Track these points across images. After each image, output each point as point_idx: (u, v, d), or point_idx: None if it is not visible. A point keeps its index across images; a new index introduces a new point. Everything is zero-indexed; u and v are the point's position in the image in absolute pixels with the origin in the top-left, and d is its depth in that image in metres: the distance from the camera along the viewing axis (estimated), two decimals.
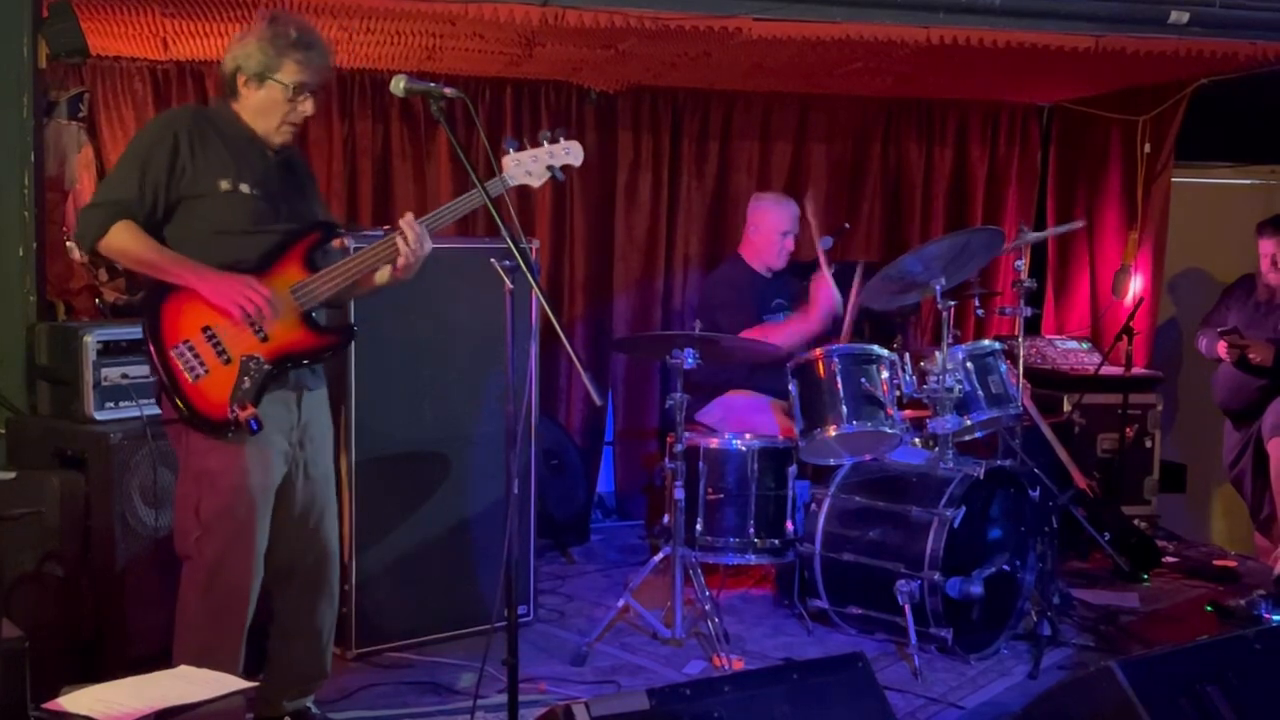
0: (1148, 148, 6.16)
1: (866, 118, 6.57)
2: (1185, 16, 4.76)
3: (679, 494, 4.35)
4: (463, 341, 4.29)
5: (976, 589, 4.18)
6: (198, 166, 3.13)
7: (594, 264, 6.15)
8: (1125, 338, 5.83)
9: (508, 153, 3.25)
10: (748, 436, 4.73)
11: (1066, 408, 5.81)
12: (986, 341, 4.71)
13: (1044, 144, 6.86)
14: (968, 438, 4.64)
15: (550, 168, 3.26)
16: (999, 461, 4.56)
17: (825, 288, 4.97)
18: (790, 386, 4.56)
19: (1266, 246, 5.35)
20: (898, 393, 4.48)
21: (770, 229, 5.20)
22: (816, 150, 6.51)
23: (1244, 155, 6.51)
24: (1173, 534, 6.05)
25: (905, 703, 3.86)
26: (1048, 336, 6.44)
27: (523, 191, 5.88)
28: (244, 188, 3.16)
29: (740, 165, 6.37)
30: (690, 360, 4.30)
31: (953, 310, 4.48)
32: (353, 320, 3.91)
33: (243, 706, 2.56)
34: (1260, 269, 5.41)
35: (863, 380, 4.45)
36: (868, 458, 4.64)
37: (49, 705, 2.44)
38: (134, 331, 3.55)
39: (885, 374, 4.49)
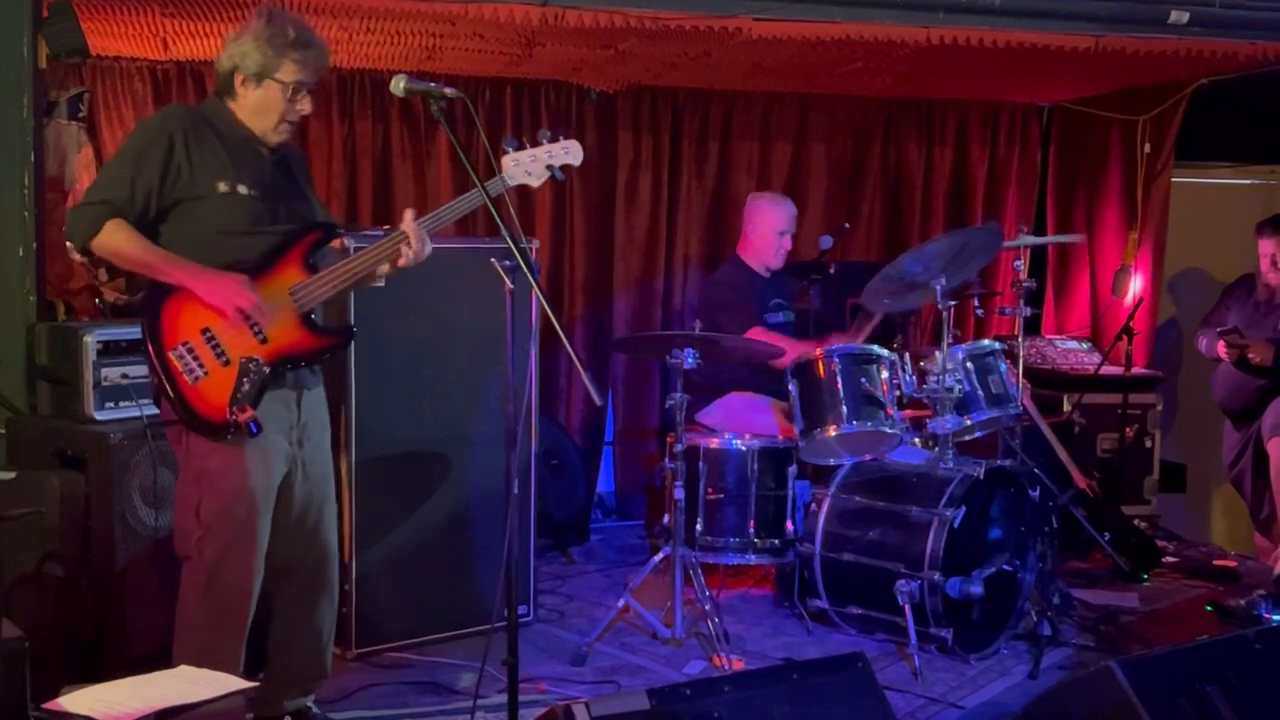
0: (1148, 148, 6.16)
1: (866, 118, 6.57)
2: (1185, 16, 4.76)
3: (679, 494, 4.35)
4: (463, 341, 4.29)
5: (976, 589, 4.18)
6: (194, 168, 3.11)
7: (594, 264, 6.15)
8: (1125, 338, 5.82)
9: (507, 152, 3.24)
10: (748, 436, 4.74)
11: (1066, 408, 5.81)
12: (986, 341, 4.71)
13: (1044, 144, 6.86)
14: (968, 438, 4.64)
15: (550, 167, 3.26)
16: (999, 461, 4.56)
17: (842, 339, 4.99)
18: (790, 386, 4.56)
19: (1266, 246, 5.35)
20: (898, 393, 4.48)
21: (768, 228, 5.20)
22: (816, 150, 6.51)
23: (1244, 155, 6.51)
24: (1173, 534, 6.05)
25: (905, 703, 3.86)
26: (1048, 336, 6.44)
27: (523, 191, 5.88)
28: (242, 188, 3.15)
29: (740, 165, 6.37)
30: (690, 360, 4.30)
31: (953, 310, 4.48)
32: (353, 320, 3.91)
33: (243, 706, 2.56)
34: (1260, 269, 5.41)
35: (863, 380, 4.45)
36: (868, 458, 4.64)
37: (49, 705, 2.44)
38: (134, 331, 3.55)
39: (885, 374, 4.49)
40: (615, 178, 6.16)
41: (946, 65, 5.41)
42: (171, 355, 3.06)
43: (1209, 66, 5.42)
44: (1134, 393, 5.88)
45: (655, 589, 4.57)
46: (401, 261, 3.23)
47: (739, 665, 4.15)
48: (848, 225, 6.09)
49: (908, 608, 4.16)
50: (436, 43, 4.93)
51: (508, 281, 3.33)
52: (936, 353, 4.44)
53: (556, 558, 5.49)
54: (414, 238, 3.19)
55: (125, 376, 3.70)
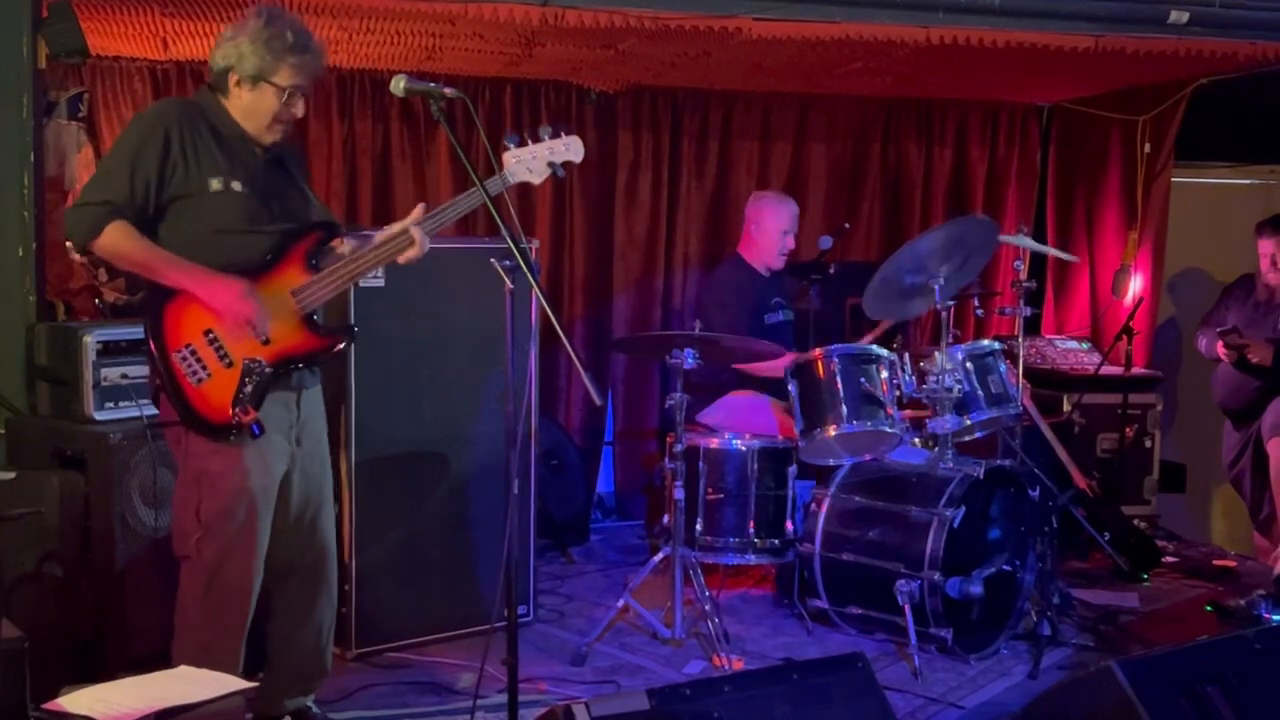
0: (1147, 148, 6.16)
1: (866, 118, 6.57)
2: (1185, 16, 4.76)
3: (679, 494, 4.35)
4: (463, 341, 4.29)
5: (976, 589, 4.18)
6: (189, 164, 3.08)
7: (594, 264, 6.16)
8: (1125, 338, 5.83)
9: (508, 149, 3.22)
10: (748, 436, 4.74)
11: (1066, 408, 5.81)
12: (986, 341, 4.71)
13: (1044, 144, 6.86)
14: (968, 438, 4.64)
15: (551, 164, 3.24)
16: (999, 461, 4.56)
17: None
18: (790, 387, 4.56)
19: (1266, 246, 5.35)
20: (898, 393, 4.48)
21: (772, 227, 5.20)
22: (816, 150, 6.51)
23: (1243, 155, 6.51)
24: (1172, 534, 6.05)
25: (905, 703, 3.86)
26: (1047, 336, 6.44)
27: (522, 191, 5.92)
28: (236, 185, 3.13)
29: (740, 165, 6.37)
30: (690, 360, 4.30)
31: (952, 310, 4.49)
32: (353, 320, 3.91)
33: (242, 707, 2.56)
34: (1260, 269, 5.42)
35: (863, 380, 4.45)
36: (867, 458, 4.64)
37: (49, 705, 2.44)
38: (134, 332, 3.55)
39: (885, 374, 4.49)
40: (615, 177, 6.16)
41: (946, 65, 5.41)
42: (175, 357, 3.05)
43: (1209, 66, 5.42)
44: (1134, 393, 5.88)
45: (655, 589, 4.57)
46: (402, 260, 3.22)
47: (739, 665, 4.15)
48: (847, 225, 6.09)
49: (907, 608, 4.16)
50: (436, 43, 4.93)
51: (508, 281, 3.33)
52: (936, 353, 4.44)
53: (556, 558, 5.49)
54: (418, 242, 3.19)
55: (125, 377, 3.70)
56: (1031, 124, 6.83)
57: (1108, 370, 5.94)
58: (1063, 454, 5.37)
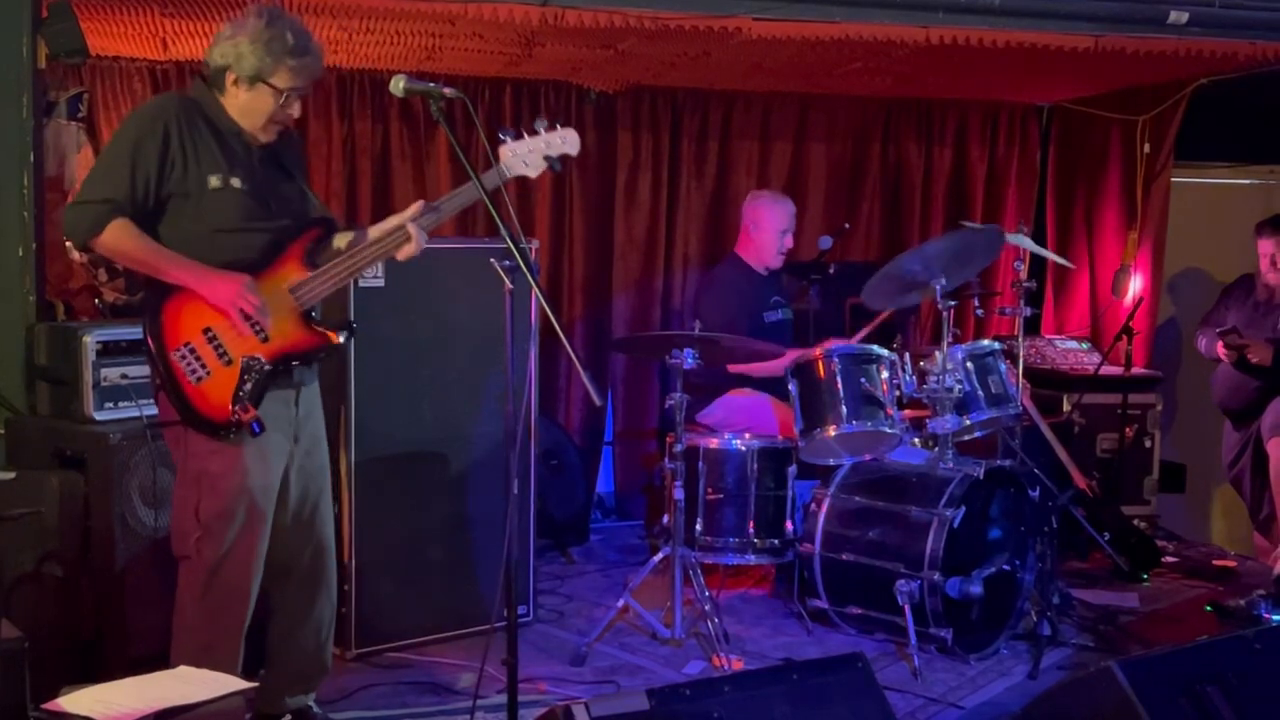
0: (1147, 148, 6.16)
1: (866, 118, 6.57)
2: (1185, 16, 4.76)
3: (679, 494, 4.34)
4: (463, 341, 4.29)
5: (976, 589, 4.18)
6: (188, 161, 3.07)
7: (593, 264, 6.16)
8: (1125, 338, 5.83)
9: (504, 142, 3.21)
10: (747, 436, 4.74)
11: (1066, 408, 5.81)
12: (986, 341, 4.72)
13: (1043, 144, 6.86)
14: (968, 438, 4.65)
15: (547, 158, 3.22)
16: (999, 461, 4.56)
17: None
18: (790, 387, 4.56)
19: (1265, 246, 5.35)
20: (898, 393, 4.48)
21: (770, 227, 5.20)
22: (816, 150, 6.51)
23: (1243, 155, 6.51)
24: (1172, 534, 6.05)
25: (905, 703, 3.86)
26: (1047, 336, 6.44)
27: (522, 192, 5.94)
28: (235, 182, 3.11)
29: (740, 165, 6.37)
30: (690, 360, 4.30)
31: (952, 310, 4.48)
32: (352, 317, 3.91)
33: (242, 707, 2.56)
34: (1259, 269, 5.42)
35: (863, 380, 4.45)
36: (867, 458, 4.64)
37: (49, 705, 2.44)
38: (134, 332, 3.54)
39: (885, 374, 4.49)
40: (615, 177, 6.16)
41: (946, 65, 5.41)
42: (174, 356, 3.05)
43: (1208, 66, 5.42)
44: (1134, 393, 5.88)
45: (655, 589, 4.57)
46: (400, 256, 3.22)
47: (738, 665, 4.15)
48: (847, 225, 6.09)
49: (907, 608, 4.16)
50: (436, 43, 4.93)
51: (507, 281, 3.33)
52: (936, 353, 4.44)
53: (556, 558, 5.49)
54: (414, 238, 3.18)
55: (125, 377, 3.69)
56: (1031, 124, 6.83)
57: (1108, 370, 5.94)
58: (1063, 454, 5.37)
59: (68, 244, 4.44)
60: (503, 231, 3.00)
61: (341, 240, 3.31)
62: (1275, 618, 4.60)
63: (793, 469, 4.74)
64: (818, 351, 4.54)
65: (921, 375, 4.49)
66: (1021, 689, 4.02)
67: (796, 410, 4.53)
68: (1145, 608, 4.88)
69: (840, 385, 4.45)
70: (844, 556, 4.43)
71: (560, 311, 5.98)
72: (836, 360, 4.48)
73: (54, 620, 3.48)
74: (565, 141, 3.24)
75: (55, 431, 3.73)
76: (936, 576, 4.16)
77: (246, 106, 3.15)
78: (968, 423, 4.46)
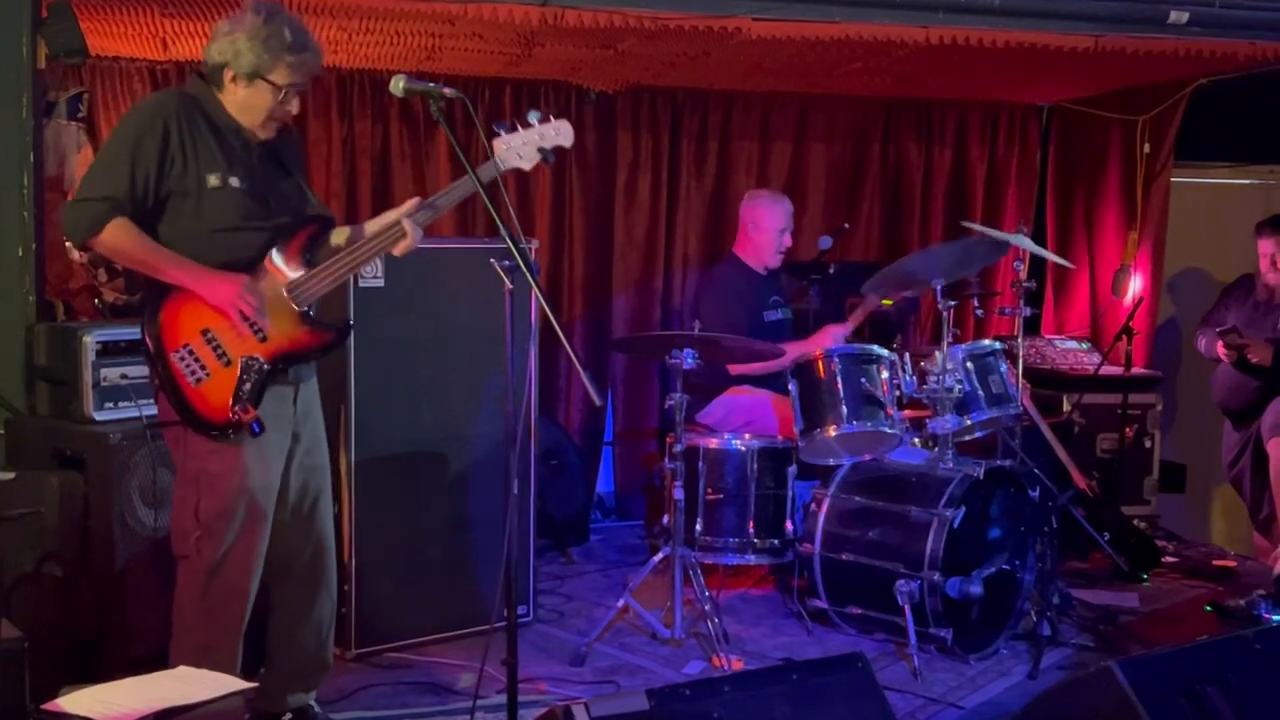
0: (1147, 148, 6.16)
1: (866, 118, 6.57)
2: (1185, 16, 4.76)
3: (678, 494, 4.34)
4: (463, 341, 4.29)
5: (976, 589, 4.18)
6: (187, 159, 3.06)
7: (593, 264, 6.16)
8: (1125, 338, 5.83)
9: (498, 134, 3.21)
10: (747, 436, 4.74)
11: (1066, 408, 5.81)
12: (986, 341, 4.72)
13: (1043, 144, 6.86)
14: (968, 438, 4.64)
15: (541, 149, 3.21)
16: (999, 461, 4.56)
17: (834, 333, 4.97)
18: (790, 386, 4.56)
19: (1265, 246, 5.35)
20: (898, 393, 4.48)
21: (769, 226, 5.20)
22: (816, 150, 6.51)
23: (1243, 155, 6.51)
24: (1172, 534, 6.05)
25: (905, 703, 3.86)
26: (1047, 336, 6.44)
27: (522, 191, 5.94)
28: (233, 181, 3.11)
29: (739, 165, 6.37)
30: (690, 360, 4.30)
31: (952, 310, 4.49)
32: (350, 316, 3.90)
33: (242, 707, 2.56)
34: (1259, 269, 5.42)
35: (863, 380, 4.45)
36: (867, 458, 4.64)
37: (49, 705, 2.44)
38: (133, 332, 3.54)
39: (885, 374, 4.49)
40: (614, 177, 6.16)
41: (946, 65, 5.41)
42: (173, 357, 3.05)
43: (1208, 66, 5.42)
44: (1134, 393, 5.88)
45: (655, 589, 4.57)
46: (396, 252, 3.22)
47: (738, 665, 4.15)
48: (847, 225, 6.09)
49: (907, 608, 4.16)
50: (436, 43, 4.93)
51: (507, 281, 3.32)
52: (936, 353, 4.44)
53: (556, 558, 5.49)
54: (409, 233, 3.18)
55: (124, 377, 3.69)
56: (1031, 124, 6.83)
57: (1107, 370, 5.94)
58: (1063, 454, 5.37)
59: (67, 244, 4.43)
60: (503, 231, 3.00)
61: (339, 236, 3.31)
62: (1275, 618, 4.60)
63: (792, 469, 4.74)
64: (818, 352, 4.54)
65: (921, 375, 4.49)
66: (1021, 689, 4.02)
67: (796, 410, 4.53)
68: (1145, 608, 4.88)
69: (840, 385, 4.45)
70: (844, 556, 4.43)
71: (560, 311, 5.98)
72: (836, 360, 4.48)
73: (54, 620, 3.48)
74: (559, 133, 3.24)
75: (55, 432, 3.73)
76: (936, 576, 4.16)
77: (245, 103, 3.14)
78: (968, 423, 4.46)
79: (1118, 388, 5.86)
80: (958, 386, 4.39)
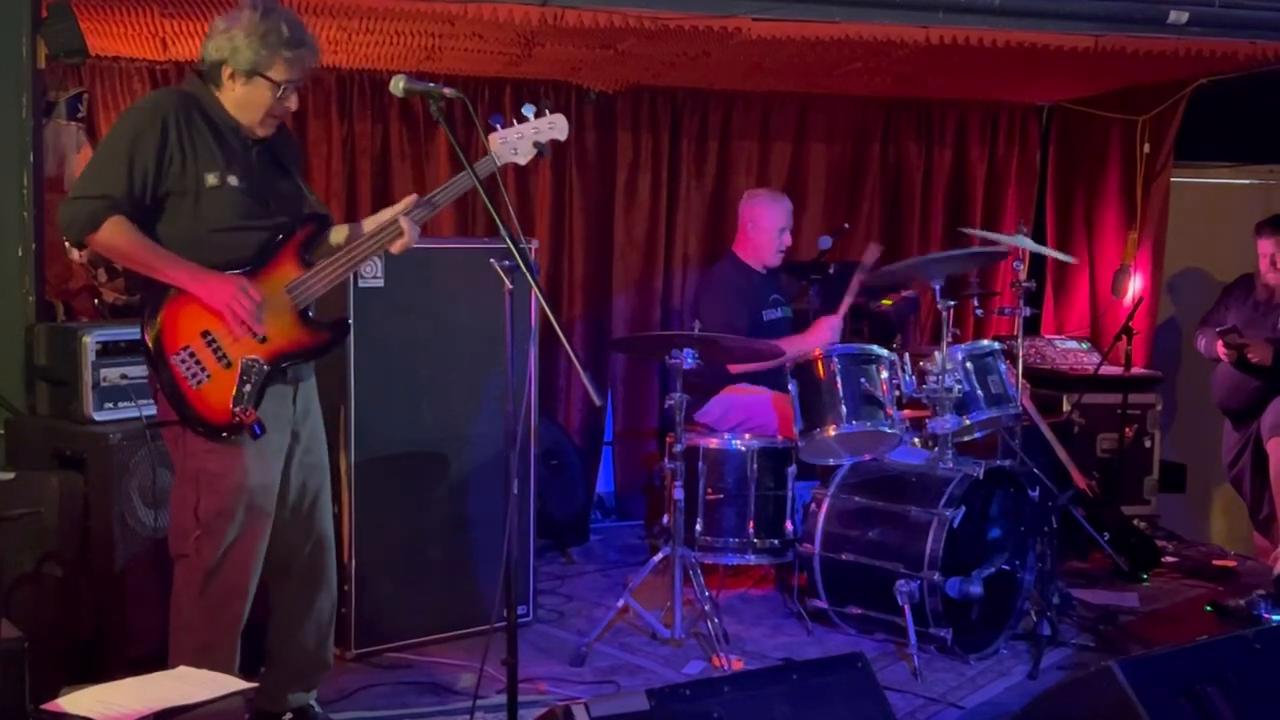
0: (1147, 148, 6.16)
1: (866, 118, 6.57)
2: (1185, 16, 4.76)
3: (678, 494, 4.34)
4: (462, 341, 4.29)
5: (976, 589, 4.18)
6: (186, 158, 3.05)
7: (593, 264, 6.15)
8: (1124, 338, 5.83)
9: (494, 129, 3.21)
10: (747, 436, 4.74)
11: (1066, 408, 5.81)
12: (986, 341, 4.72)
13: (1043, 144, 6.86)
14: (967, 438, 4.65)
15: (537, 144, 3.21)
16: (999, 461, 4.57)
17: (829, 324, 4.96)
18: (790, 386, 4.56)
19: (1265, 246, 5.35)
20: (897, 393, 4.48)
21: (769, 226, 5.20)
22: (816, 150, 6.51)
23: (1243, 155, 6.51)
24: (1172, 534, 6.05)
25: (905, 703, 3.85)
26: (1047, 336, 6.44)
27: (522, 191, 5.94)
28: (232, 179, 3.10)
29: (739, 165, 6.37)
30: (690, 360, 4.30)
31: (952, 310, 4.49)
32: (350, 316, 3.90)
33: (242, 707, 2.56)
34: (1259, 269, 5.42)
35: (862, 380, 4.45)
36: (867, 458, 4.64)
37: (48, 705, 2.44)
38: (133, 332, 3.53)
39: (885, 374, 4.49)
40: (614, 177, 6.16)
41: (946, 65, 5.41)
42: (173, 360, 3.04)
43: (1208, 66, 5.42)
44: (1133, 393, 5.89)
45: (655, 589, 4.57)
46: (394, 250, 3.22)
47: (738, 665, 4.15)
48: (847, 225, 6.09)
49: (907, 608, 4.16)
50: (436, 43, 4.93)
51: (507, 281, 3.32)
52: (936, 353, 4.44)
53: (556, 558, 5.49)
54: (406, 231, 3.17)
55: (124, 377, 3.69)
56: (1031, 124, 6.83)
57: (1107, 370, 5.94)
58: (1062, 454, 5.37)
59: (67, 244, 4.43)
60: (502, 231, 3.00)
61: (338, 235, 3.31)
62: (1275, 618, 4.60)
63: (792, 469, 4.74)
64: (817, 352, 4.54)
65: (921, 375, 4.49)
66: (1021, 689, 4.02)
67: (796, 410, 4.53)
68: (1145, 608, 4.88)
69: (840, 385, 4.45)
70: (844, 556, 4.43)
71: (560, 311, 5.98)
72: (836, 360, 4.48)
73: (54, 620, 3.48)
74: (554, 127, 3.24)
75: (55, 432, 3.73)
76: (936, 576, 4.16)
77: (243, 100, 3.13)
78: (967, 423, 4.46)
79: (1117, 388, 5.86)
80: (957, 386, 4.39)
